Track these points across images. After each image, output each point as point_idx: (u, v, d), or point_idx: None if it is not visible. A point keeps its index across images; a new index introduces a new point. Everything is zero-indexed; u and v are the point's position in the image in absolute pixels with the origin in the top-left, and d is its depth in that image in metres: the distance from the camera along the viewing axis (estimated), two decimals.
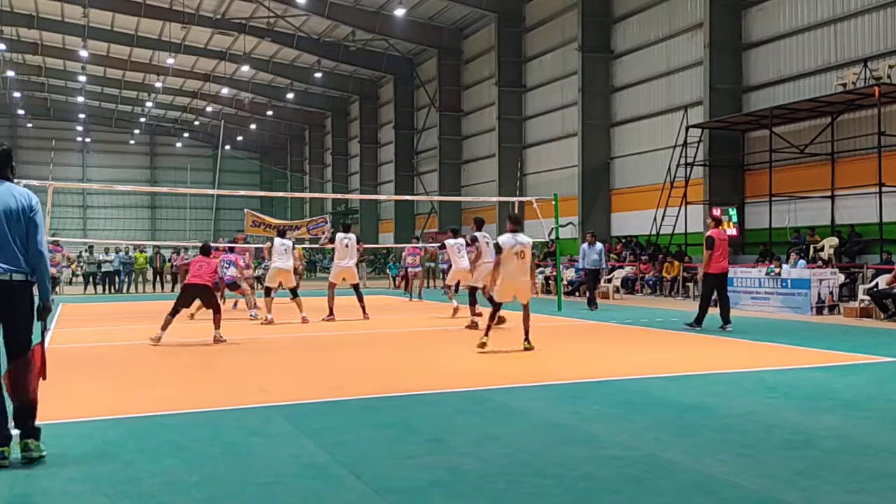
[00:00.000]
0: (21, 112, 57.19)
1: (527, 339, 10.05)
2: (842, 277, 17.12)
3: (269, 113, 55.02)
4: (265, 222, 20.46)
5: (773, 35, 21.98)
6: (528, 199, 22.20)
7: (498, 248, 10.43)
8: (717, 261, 12.49)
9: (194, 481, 4.51)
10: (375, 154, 48.96)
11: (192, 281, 11.33)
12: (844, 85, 18.88)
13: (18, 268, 4.85)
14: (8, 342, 4.94)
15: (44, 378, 4.99)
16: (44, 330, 5.18)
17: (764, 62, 22.35)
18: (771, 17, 22.06)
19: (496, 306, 10.47)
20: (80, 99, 55.45)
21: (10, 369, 4.84)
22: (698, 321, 12.46)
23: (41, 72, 49.26)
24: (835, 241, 19.21)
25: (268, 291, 14.55)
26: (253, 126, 59.41)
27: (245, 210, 20.29)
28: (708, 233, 12.62)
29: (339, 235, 14.93)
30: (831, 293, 16.17)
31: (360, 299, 15.20)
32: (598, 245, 17.74)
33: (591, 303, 17.37)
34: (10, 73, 47.56)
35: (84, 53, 42.19)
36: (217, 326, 11.20)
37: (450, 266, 16.07)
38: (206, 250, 12.18)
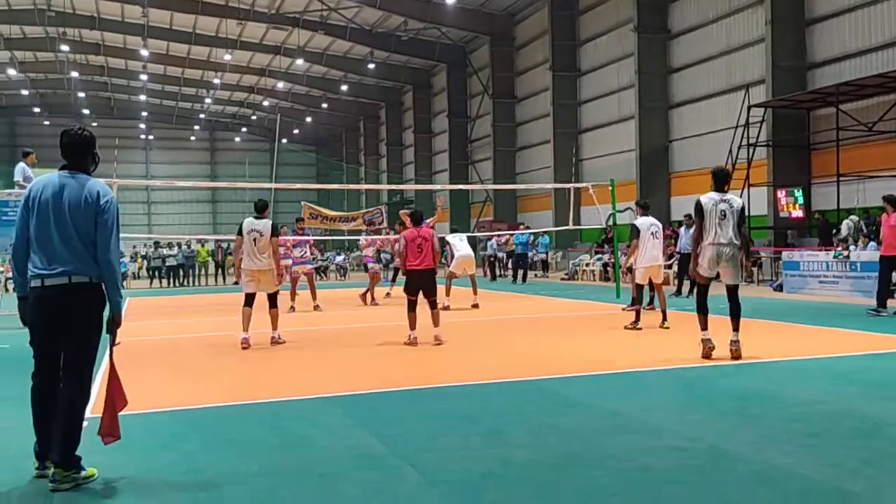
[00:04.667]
0: (86, 112, 58.93)
1: (664, 318, 11.01)
2: None
3: (324, 105, 55.55)
4: (322, 214, 20.65)
5: (837, 9, 21.19)
6: (584, 185, 21.92)
7: (636, 231, 11.27)
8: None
9: (255, 472, 4.58)
10: (430, 143, 49.03)
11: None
12: None
13: (79, 270, 4.35)
14: (65, 360, 4.42)
15: (125, 403, 4.60)
16: (112, 345, 4.59)
17: (828, 37, 21.58)
18: None
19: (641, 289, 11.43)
20: (142, 97, 56.87)
21: (63, 393, 4.36)
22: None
23: (104, 72, 50.66)
24: None
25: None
26: (308, 119, 60.08)
27: (302, 202, 20.48)
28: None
29: (247, 222, 10.33)
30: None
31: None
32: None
33: (679, 291, 16.92)
34: (75, 74, 48.99)
35: (145, 52, 43.23)
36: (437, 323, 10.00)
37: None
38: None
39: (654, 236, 11.22)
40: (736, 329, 7.96)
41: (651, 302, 12.63)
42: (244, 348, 9.80)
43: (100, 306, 4.46)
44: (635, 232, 11.23)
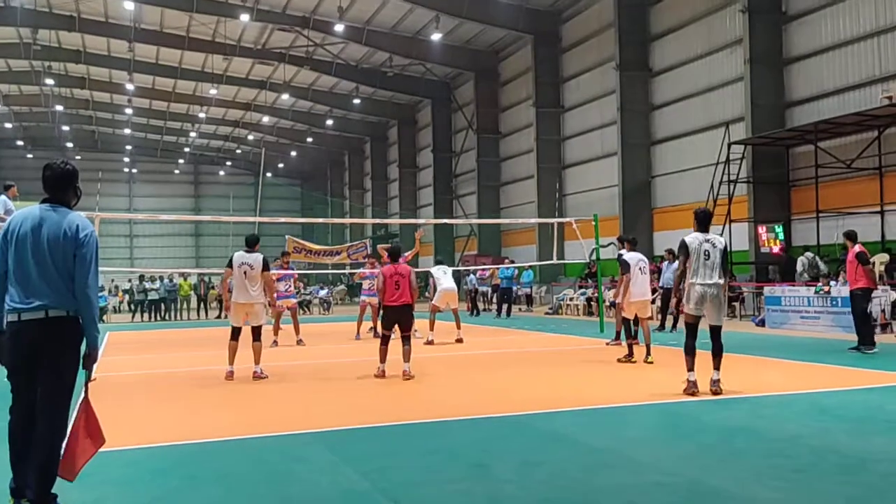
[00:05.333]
0: (70, 145, 58.76)
1: (648, 353, 11.11)
2: (894, 295, 16.67)
3: (310, 140, 55.76)
4: (306, 248, 20.62)
5: (815, 49, 21.63)
6: (567, 219, 22.06)
7: (626, 266, 11.36)
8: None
9: None
10: (414, 178, 49.23)
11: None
12: (890, 98, 18.47)
13: (56, 304, 4.28)
14: (42, 396, 4.28)
15: (102, 442, 4.49)
16: (87, 381, 4.50)
17: (806, 76, 22.00)
18: (812, 31, 21.73)
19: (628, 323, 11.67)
20: (127, 131, 56.84)
21: (40, 429, 4.25)
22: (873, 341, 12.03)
23: (88, 105, 50.64)
24: (885, 257, 18.71)
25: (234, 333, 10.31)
26: (294, 153, 60.25)
27: (286, 236, 20.45)
28: (858, 248, 12.03)
29: (237, 255, 10.38)
30: (883, 311, 15.74)
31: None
32: (676, 263, 17.38)
33: (662, 326, 17.14)
34: (59, 107, 48.97)
35: (130, 86, 43.30)
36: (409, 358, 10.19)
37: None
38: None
39: (642, 271, 11.44)
40: (717, 368, 8.06)
41: (635, 336, 12.65)
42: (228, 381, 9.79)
43: (77, 341, 4.38)
44: (626, 266, 11.37)
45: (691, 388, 7.99)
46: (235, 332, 10.25)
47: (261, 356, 10.34)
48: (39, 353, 4.29)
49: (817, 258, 19.37)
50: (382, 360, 10.06)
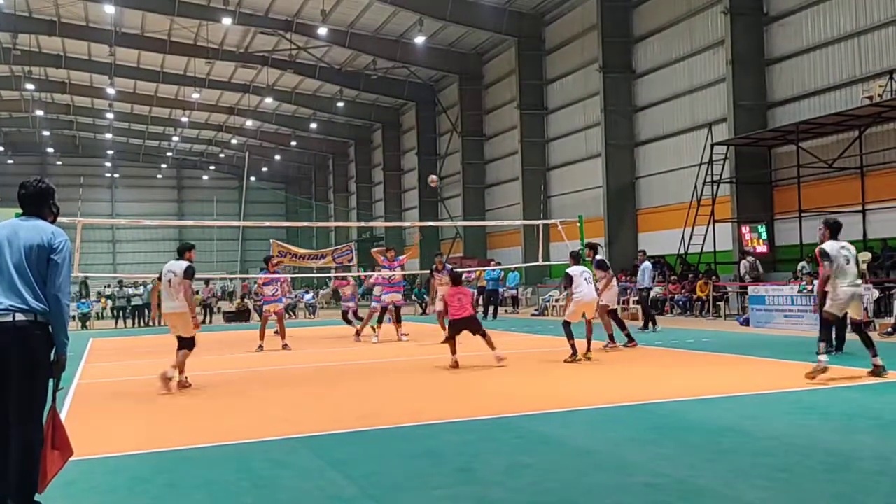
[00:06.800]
0: (50, 150, 58.28)
1: (589, 349, 11.91)
2: (876, 293, 16.80)
3: (293, 143, 55.59)
4: (291, 252, 20.52)
5: (796, 50, 21.80)
6: (552, 221, 22.08)
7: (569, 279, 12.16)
8: None
9: None
10: (399, 181, 49.20)
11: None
12: (871, 98, 18.64)
13: (26, 308, 4.25)
14: (13, 401, 4.21)
15: (70, 453, 4.42)
16: (56, 390, 4.39)
17: (788, 77, 22.16)
18: (793, 32, 21.90)
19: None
20: (108, 135, 56.45)
21: (16, 436, 4.19)
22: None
23: (69, 110, 50.28)
24: (868, 255, 18.86)
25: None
26: (277, 157, 60.04)
27: (271, 240, 20.35)
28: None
29: (166, 267, 10.25)
30: (866, 309, 15.82)
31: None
32: (645, 263, 17.82)
33: (646, 325, 17.39)
34: (40, 113, 48.56)
35: (111, 91, 43.03)
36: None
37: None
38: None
39: (587, 281, 12.15)
40: (875, 356, 8.80)
41: (612, 340, 13.27)
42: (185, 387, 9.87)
43: (45, 346, 4.33)
44: (568, 280, 12.17)
45: (819, 370, 8.59)
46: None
47: (183, 366, 10.01)
48: (9, 358, 4.22)
49: (757, 261, 20.74)
50: (453, 352, 11.39)
